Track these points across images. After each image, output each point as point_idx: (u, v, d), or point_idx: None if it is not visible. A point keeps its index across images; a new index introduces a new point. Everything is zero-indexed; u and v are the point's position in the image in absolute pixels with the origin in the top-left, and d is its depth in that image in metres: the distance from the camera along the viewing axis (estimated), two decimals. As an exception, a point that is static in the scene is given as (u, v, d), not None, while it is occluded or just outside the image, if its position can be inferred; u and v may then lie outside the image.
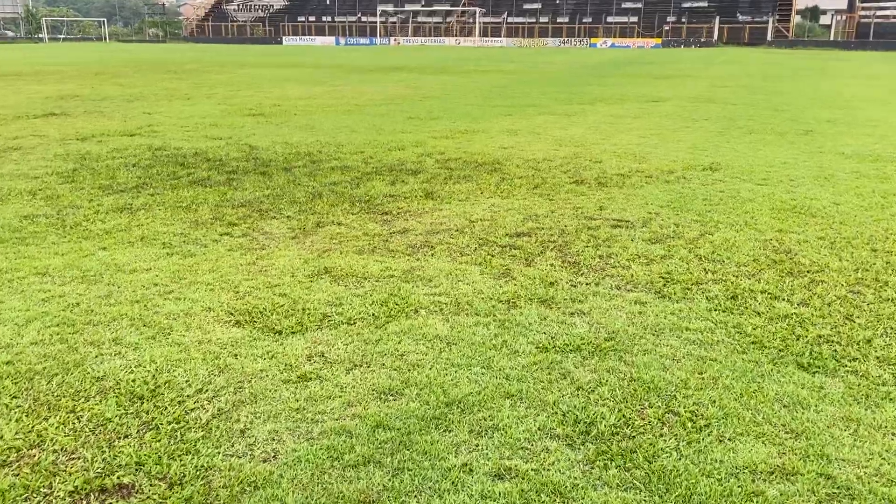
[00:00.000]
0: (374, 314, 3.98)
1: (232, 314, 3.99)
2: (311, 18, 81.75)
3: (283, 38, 77.65)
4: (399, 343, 3.62)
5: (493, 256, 4.96)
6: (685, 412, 2.98)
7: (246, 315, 3.97)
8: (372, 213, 6.13)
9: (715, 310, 4.06)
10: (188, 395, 3.13)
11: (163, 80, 21.23)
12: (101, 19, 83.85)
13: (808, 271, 4.70)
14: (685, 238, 5.40)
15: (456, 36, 74.10)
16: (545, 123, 11.84)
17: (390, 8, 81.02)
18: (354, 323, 3.87)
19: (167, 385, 3.21)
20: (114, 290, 4.32)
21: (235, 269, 4.73)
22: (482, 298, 4.20)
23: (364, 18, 79.99)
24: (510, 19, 74.55)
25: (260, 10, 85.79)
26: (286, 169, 7.95)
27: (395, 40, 74.02)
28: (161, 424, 2.90)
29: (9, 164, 8.24)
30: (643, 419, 2.93)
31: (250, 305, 4.10)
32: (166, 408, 3.03)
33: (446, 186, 7.11)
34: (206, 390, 3.17)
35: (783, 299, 4.22)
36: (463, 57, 38.20)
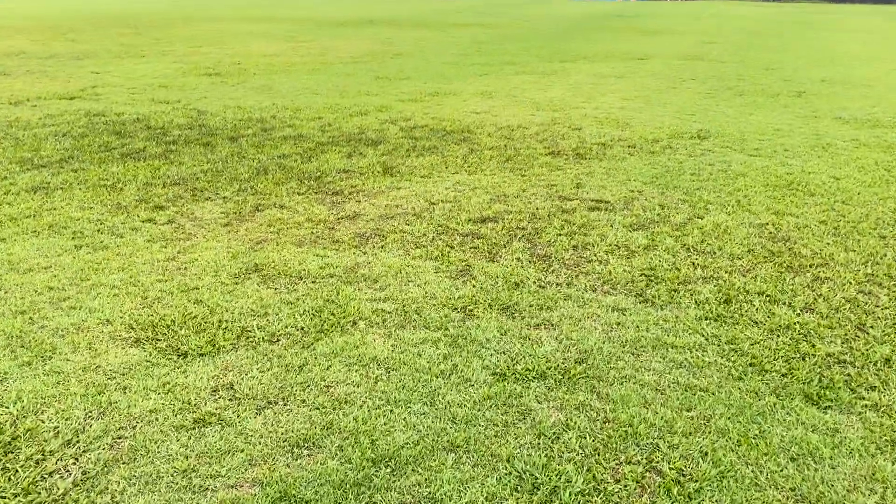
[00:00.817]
0: (302, 328, 3.34)
1: (133, 328, 3.33)
2: (287, -32, 78.62)
3: (258, -11, 74.68)
4: (327, 369, 3.00)
5: (451, 248, 4.32)
6: (670, 470, 2.39)
7: (149, 330, 3.31)
8: (321, 194, 5.43)
9: (705, 318, 3.46)
10: (51, 451, 2.49)
11: (120, 34, 20.00)
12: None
13: (810, 265, 4.11)
14: (671, 223, 4.78)
15: (437, -13, 71.58)
16: (523, 84, 11.07)
17: (369, -42, 77.99)
18: (278, 341, 3.23)
19: (28, 435, 2.57)
20: (-3, 297, 3.64)
21: (150, 266, 4.06)
22: (434, 305, 3.57)
23: (342, -31, 77.01)
24: (493, -30, 72.05)
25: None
26: (232, 138, 7.18)
27: (374, -8, 71.49)
28: (2, 499, 2.27)
29: (-76, 132, 7.39)
30: (618, 481, 2.35)
31: (157, 316, 3.44)
32: (17, 471, 2.39)
33: (408, 160, 6.41)
34: (76, 442, 2.53)
35: (784, 303, 3.63)
36: (442, 9, 36.77)
